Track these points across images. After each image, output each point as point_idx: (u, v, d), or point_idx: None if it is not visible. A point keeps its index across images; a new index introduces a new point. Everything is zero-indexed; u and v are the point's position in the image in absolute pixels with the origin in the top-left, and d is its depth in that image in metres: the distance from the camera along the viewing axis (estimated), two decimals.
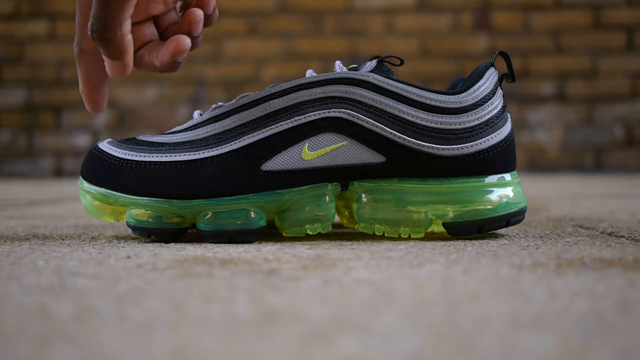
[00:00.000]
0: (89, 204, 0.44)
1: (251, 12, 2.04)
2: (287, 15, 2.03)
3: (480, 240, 0.43)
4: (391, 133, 0.42)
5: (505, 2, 2.01)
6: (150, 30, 0.41)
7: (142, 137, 0.45)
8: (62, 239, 0.46)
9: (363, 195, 0.43)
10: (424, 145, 0.42)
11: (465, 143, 0.42)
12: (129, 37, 0.37)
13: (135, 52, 0.41)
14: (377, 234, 0.43)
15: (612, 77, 1.99)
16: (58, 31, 2.07)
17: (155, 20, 0.42)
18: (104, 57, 0.38)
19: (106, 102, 0.44)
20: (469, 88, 0.43)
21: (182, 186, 0.42)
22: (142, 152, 0.43)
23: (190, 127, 0.44)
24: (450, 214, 0.42)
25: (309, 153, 0.42)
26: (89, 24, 0.37)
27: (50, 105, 2.07)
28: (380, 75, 0.43)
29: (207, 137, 0.43)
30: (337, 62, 0.45)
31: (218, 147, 0.42)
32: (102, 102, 0.43)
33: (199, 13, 0.40)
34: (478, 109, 0.43)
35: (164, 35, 0.42)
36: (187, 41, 0.40)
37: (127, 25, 0.37)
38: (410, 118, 0.42)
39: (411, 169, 0.43)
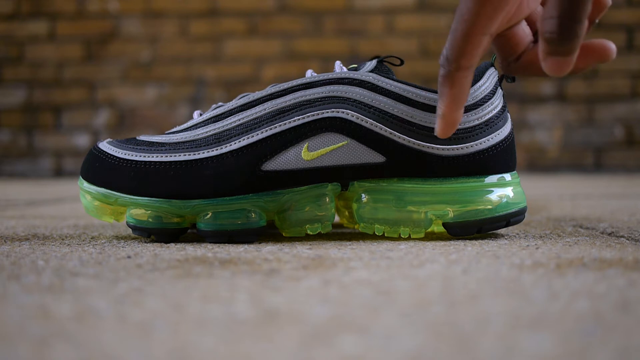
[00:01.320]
0: (89, 204, 0.44)
1: (251, 12, 2.04)
2: (287, 15, 2.03)
3: (480, 240, 0.43)
4: (391, 133, 0.42)
5: None
6: (528, 30, 0.38)
7: (142, 137, 0.45)
8: (62, 239, 0.46)
9: (363, 195, 0.43)
10: (424, 145, 0.42)
11: (465, 143, 0.42)
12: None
13: (520, 57, 0.38)
14: (377, 234, 0.43)
15: (612, 77, 1.99)
16: (58, 31, 2.07)
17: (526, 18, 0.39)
18: (549, 57, 0.34)
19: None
20: None
21: (182, 186, 0.42)
22: (142, 152, 0.43)
23: (190, 127, 0.44)
24: (450, 214, 0.42)
25: (309, 153, 0.42)
26: (555, 24, 0.33)
27: (50, 105, 2.07)
28: (380, 75, 0.43)
29: (207, 137, 0.43)
30: (337, 62, 0.45)
31: (218, 147, 0.42)
32: (458, 123, 0.38)
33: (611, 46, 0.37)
34: (478, 109, 0.43)
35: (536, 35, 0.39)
36: (612, 46, 0.36)
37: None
38: (410, 118, 0.42)
39: (411, 169, 0.43)
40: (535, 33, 0.39)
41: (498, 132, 0.43)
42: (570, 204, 0.79)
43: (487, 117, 0.43)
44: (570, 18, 0.33)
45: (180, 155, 0.42)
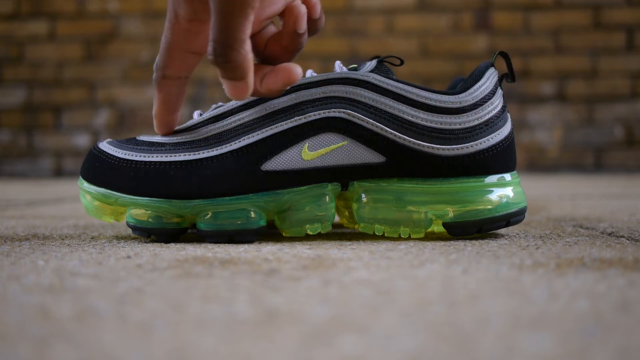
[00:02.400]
0: (89, 204, 0.44)
1: None
2: None
3: (480, 240, 0.43)
4: (391, 133, 0.42)
5: (505, 2, 2.01)
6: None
7: (142, 137, 0.45)
8: (62, 239, 0.46)
9: (363, 195, 0.43)
10: (424, 145, 0.42)
11: (465, 143, 0.42)
12: (250, 56, 0.36)
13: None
14: (377, 234, 0.43)
15: (612, 77, 1.99)
16: (58, 31, 2.07)
17: (253, 39, 0.41)
18: (224, 80, 0.37)
19: (176, 126, 0.42)
20: (469, 88, 0.43)
21: (182, 186, 0.42)
22: (142, 152, 0.43)
23: (190, 127, 0.44)
24: (450, 214, 0.42)
25: (309, 153, 0.42)
26: (210, 48, 0.35)
27: (50, 105, 2.07)
28: (380, 75, 0.43)
29: (207, 137, 0.43)
30: (337, 62, 0.45)
31: (218, 147, 0.42)
32: (173, 125, 0.42)
33: (302, 8, 0.39)
34: (478, 109, 0.43)
35: (262, 53, 0.41)
36: (298, 70, 0.39)
37: (248, 44, 0.36)
38: (410, 118, 0.42)
39: (411, 169, 0.43)
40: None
41: (498, 132, 0.43)
42: (570, 204, 0.79)
43: (487, 117, 0.43)
44: (223, 43, 0.35)
45: (180, 155, 0.42)
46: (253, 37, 0.41)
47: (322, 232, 0.44)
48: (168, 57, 0.39)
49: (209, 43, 0.36)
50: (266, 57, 0.42)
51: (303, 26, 0.40)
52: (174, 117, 0.42)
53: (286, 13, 0.40)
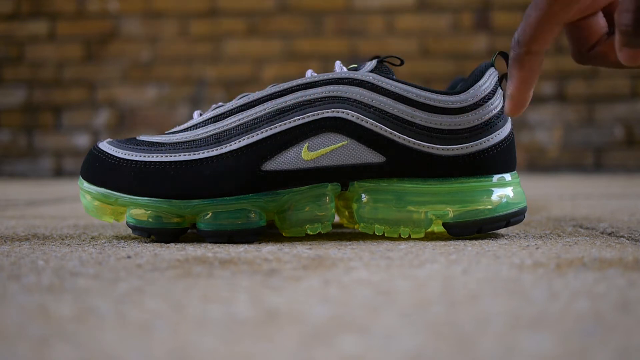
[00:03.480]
0: (89, 204, 0.44)
1: (251, 12, 2.04)
2: (287, 15, 2.03)
3: (480, 240, 0.43)
4: (391, 133, 0.42)
5: (505, 2, 2.01)
6: (603, 22, 0.39)
7: (142, 137, 0.45)
8: (62, 239, 0.46)
9: (363, 195, 0.43)
10: (424, 145, 0.42)
11: (465, 143, 0.42)
12: None
13: (592, 47, 0.39)
14: (377, 234, 0.43)
15: (612, 77, 1.99)
16: (58, 31, 2.07)
17: (604, 10, 0.39)
18: (622, 46, 0.35)
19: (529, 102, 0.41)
20: (469, 88, 0.43)
21: (182, 186, 0.42)
22: (142, 152, 0.43)
23: (190, 127, 0.44)
24: (450, 214, 0.42)
25: (309, 153, 0.42)
26: (628, 17, 0.33)
27: (50, 105, 2.07)
28: (380, 75, 0.43)
29: (207, 137, 0.43)
30: (337, 62, 0.45)
31: (218, 147, 0.42)
32: (527, 103, 0.40)
33: None
34: (478, 109, 0.43)
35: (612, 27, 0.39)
36: None
37: None
38: (410, 118, 0.42)
39: (411, 169, 0.43)
40: (612, 25, 0.39)
41: (498, 132, 0.43)
42: (570, 204, 0.79)
43: (487, 117, 0.43)
44: None
45: (180, 155, 0.42)
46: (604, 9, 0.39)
47: (322, 232, 0.44)
48: (537, 30, 0.37)
49: (622, 13, 0.34)
50: None
51: None
52: (529, 94, 0.40)
53: None
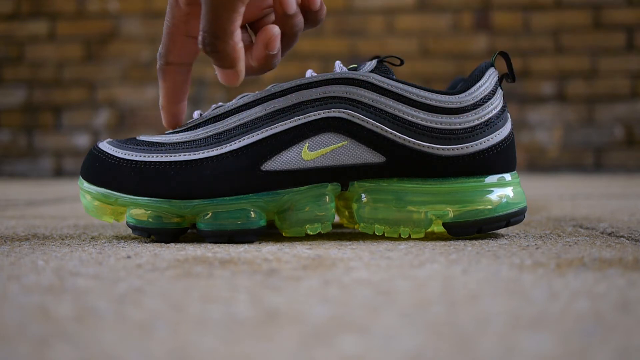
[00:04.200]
0: (89, 204, 0.44)
1: None
2: None
3: (480, 240, 0.43)
4: (391, 133, 0.42)
5: (505, 2, 2.01)
6: (245, 37, 0.41)
7: (142, 137, 0.45)
8: (62, 239, 0.46)
9: (363, 195, 0.43)
10: (424, 145, 0.42)
11: (465, 143, 0.42)
12: (240, 45, 0.37)
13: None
14: (377, 234, 0.43)
15: (612, 77, 1.99)
16: (58, 31, 2.07)
17: (253, 26, 0.42)
18: (216, 67, 0.38)
19: (184, 117, 0.43)
20: (469, 88, 0.43)
21: (182, 186, 0.42)
22: (142, 152, 0.43)
23: (190, 127, 0.44)
24: (450, 214, 0.42)
25: (309, 153, 0.42)
26: (200, 37, 0.36)
27: (50, 105, 2.07)
28: (380, 75, 0.43)
29: (207, 137, 0.43)
30: (337, 62, 0.45)
31: (218, 147, 0.42)
32: (181, 116, 0.42)
33: (275, 30, 0.40)
34: (478, 109, 0.43)
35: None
36: (275, 30, 0.39)
37: (237, 34, 0.37)
38: (410, 118, 0.42)
39: (411, 169, 0.43)
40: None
41: (498, 132, 0.43)
42: (570, 204, 0.79)
43: (487, 117, 0.43)
44: (211, 34, 0.36)
45: (180, 155, 0.42)
46: (252, 24, 0.42)
47: (322, 232, 0.44)
48: (170, 42, 0.40)
49: (199, 32, 0.36)
50: None
51: (275, 47, 0.40)
52: (180, 106, 0.42)
53: (258, 36, 0.40)
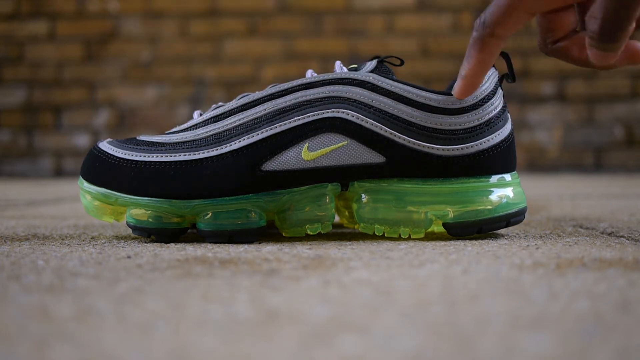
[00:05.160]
0: (89, 204, 0.44)
1: (251, 12, 2.04)
2: (287, 15, 2.03)
3: (480, 240, 0.43)
4: (391, 133, 0.42)
5: None
6: (573, 18, 0.38)
7: (142, 137, 0.45)
8: (62, 239, 0.46)
9: (363, 195, 0.43)
10: (424, 146, 0.42)
11: (465, 143, 0.42)
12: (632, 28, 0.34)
13: (557, 41, 0.38)
14: (377, 234, 0.43)
15: (612, 77, 1.99)
16: (58, 31, 2.07)
17: (579, 6, 0.38)
18: (590, 47, 0.34)
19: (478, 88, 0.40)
20: None
21: (182, 186, 0.42)
22: (142, 152, 0.43)
23: (190, 127, 0.44)
24: (450, 214, 0.42)
25: (309, 153, 0.42)
26: (595, 26, 0.33)
27: (50, 105, 2.07)
28: (380, 75, 0.43)
29: (207, 137, 0.43)
30: (337, 62, 0.45)
31: (218, 147, 0.42)
32: (476, 88, 0.39)
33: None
34: (478, 109, 0.43)
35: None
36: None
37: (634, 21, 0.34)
38: (410, 118, 0.42)
39: (411, 169, 0.43)
40: (583, 21, 0.38)
41: (498, 132, 0.43)
42: (570, 204, 0.79)
43: (488, 117, 0.43)
44: (612, 22, 0.33)
45: (180, 155, 0.42)
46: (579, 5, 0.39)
47: (322, 232, 0.44)
48: (506, 15, 0.36)
49: (590, 19, 0.33)
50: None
51: None
52: (482, 78, 0.39)
53: None
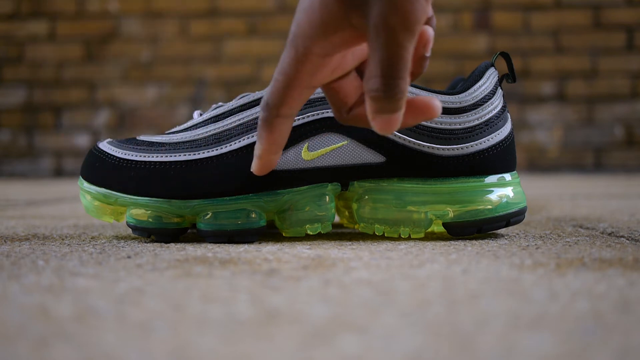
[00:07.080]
0: (89, 204, 0.44)
1: (251, 12, 2.04)
2: (287, 15, 2.03)
3: (480, 240, 0.43)
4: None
5: (505, 2, 2.01)
6: (357, 82, 0.37)
7: (142, 137, 0.45)
8: (62, 239, 0.46)
9: (363, 196, 0.43)
10: (424, 145, 0.42)
11: (465, 143, 0.42)
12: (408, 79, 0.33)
13: (351, 109, 0.37)
14: (377, 234, 0.43)
15: (612, 77, 1.99)
16: (58, 31, 2.07)
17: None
18: (377, 115, 0.33)
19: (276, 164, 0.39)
20: (469, 88, 0.43)
21: (182, 186, 0.42)
22: (142, 152, 0.43)
23: (190, 127, 0.44)
24: (450, 214, 0.42)
25: (309, 153, 0.42)
26: (377, 84, 0.32)
27: (50, 105, 2.07)
28: None
29: (207, 137, 0.43)
30: None
31: (218, 147, 0.42)
32: (274, 165, 0.38)
33: (430, 31, 0.35)
34: (478, 109, 0.43)
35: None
36: (437, 104, 0.35)
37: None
38: None
39: (411, 169, 0.43)
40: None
41: (498, 132, 0.43)
42: (570, 204, 0.79)
43: (487, 117, 0.43)
44: (392, 75, 0.32)
45: (180, 155, 0.42)
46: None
47: (322, 232, 0.44)
48: (287, 95, 0.36)
49: (370, 79, 0.32)
50: None
51: (429, 50, 0.35)
52: (277, 157, 0.39)
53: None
